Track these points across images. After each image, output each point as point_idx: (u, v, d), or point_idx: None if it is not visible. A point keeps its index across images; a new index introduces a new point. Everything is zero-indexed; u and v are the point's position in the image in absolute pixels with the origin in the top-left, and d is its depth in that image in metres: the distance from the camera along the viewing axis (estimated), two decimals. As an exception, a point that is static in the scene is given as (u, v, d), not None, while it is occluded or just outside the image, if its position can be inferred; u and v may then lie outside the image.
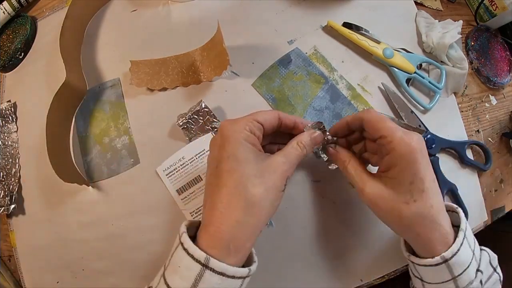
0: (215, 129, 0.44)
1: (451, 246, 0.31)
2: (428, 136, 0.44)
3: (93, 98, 0.48)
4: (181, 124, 0.44)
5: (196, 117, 0.44)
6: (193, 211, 0.43)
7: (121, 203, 0.45)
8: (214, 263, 0.26)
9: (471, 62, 0.51)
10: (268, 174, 0.30)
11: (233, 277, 0.27)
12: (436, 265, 0.31)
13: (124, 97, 0.47)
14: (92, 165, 0.46)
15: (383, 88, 0.46)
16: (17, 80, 0.53)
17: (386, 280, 0.43)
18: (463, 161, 0.45)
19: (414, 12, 0.50)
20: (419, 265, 0.33)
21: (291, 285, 0.42)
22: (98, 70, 0.49)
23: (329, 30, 0.48)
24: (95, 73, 0.49)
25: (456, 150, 0.45)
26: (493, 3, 0.51)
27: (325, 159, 0.38)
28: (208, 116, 0.44)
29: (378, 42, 0.46)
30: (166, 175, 0.43)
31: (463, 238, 0.32)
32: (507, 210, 0.49)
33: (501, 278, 0.36)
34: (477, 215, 0.46)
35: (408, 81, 0.46)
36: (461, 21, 0.48)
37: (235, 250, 0.28)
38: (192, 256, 0.27)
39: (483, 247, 0.37)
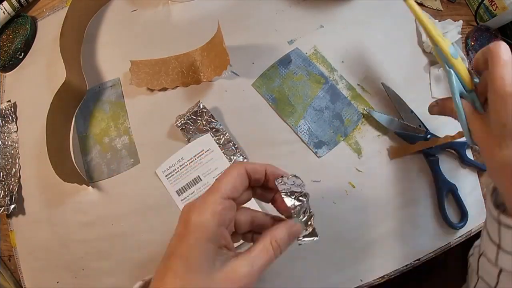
0: (213, 129, 0.44)
1: None
2: (428, 136, 0.44)
3: (93, 98, 0.48)
4: (179, 125, 0.44)
5: (194, 117, 0.44)
6: None
7: (121, 203, 0.45)
8: None
9: (471, 62, 0.51)
10: (225, 283, 0.23)
11: None
12: None
13: (124, 97, 0.48)
14: (92, 165, 0.46)
15: (383, 89, 0.46)
16: (17, 80, 0.53)
17: (386, 280, 0.43)
18: (463, 161, 0.45)
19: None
20: (506, 226, 0.28)
21: (290, 285, 0.42)
22: (98, 70, 0.49)
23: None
24: (95, 73, 0.49)
25: (456, 150, 0.45)
26: (493, 3, 0.51)
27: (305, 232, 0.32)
28: (206, 117, 0.44)
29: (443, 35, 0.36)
30: (166, 176, 0.43)
31: None
32: (507, 210, 0.49)
33: None
34: (477, 215, 0.46)
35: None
36: (461, 21, 0.48)
37: None
38: None
39: None
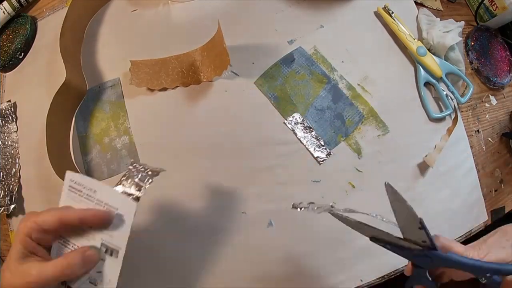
0: (140, 190, 0.32)
1: None
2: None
3: (93, 98, 0.48)
4: (132, 168, 0.33)
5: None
6: (60, 240, 0.32)
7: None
8: None
9: (471, 62, 0.51)
10: (18, 277, 0.29)
11: None
12: None
13: (124, 97, 0.47)
14: (92, 165, 0.46)
15: (383, 89, 0.46)
16: (17, 80, 0.53)
17: (386, 280, 0.43)
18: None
19: (414, 12, 0.50)
20: None
21: (290, 285, 0.42)
22: (98, 70, 0.49)
23: (378, 16, 0.49)
24: (95, 73, 0.49)
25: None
26: (493, 3, 0.51)
27: None
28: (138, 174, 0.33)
29: (414, 38, 0.47)
30: (69, 186, 0.32)
31: None
32: (507, 210, 0.49)
33: None
34: (477, 215, 0.46)
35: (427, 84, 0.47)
36: (462, 22, 0.48)
37: None
38: None
39: None
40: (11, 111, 0.51)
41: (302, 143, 0.44)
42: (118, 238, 0.32)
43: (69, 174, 0.32)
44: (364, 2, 0.49)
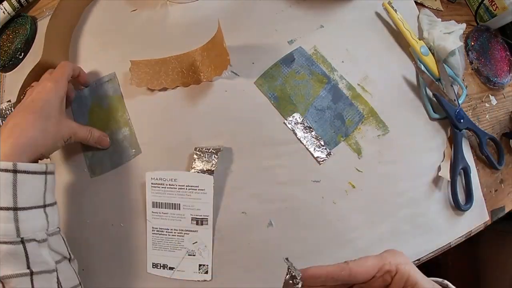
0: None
1: None
2: (458, 110, 0.45)
3: (90, 94, 0.48)
4: (195, 157, 0.42)
5: (207, 159, 0.43)
6: (156, 228, 0.43)
7: (121, 203, 0.45)
8: (20, 165, 0.32)
9: (471, 62, 0.51)
10: (63, 124, 0.39)
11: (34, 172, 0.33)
12: None
13: (121, 91, 0.48)
14: (94, 159, 0.46)
15: (383, 89, 0.46)
16: (17, 80, 0.52)
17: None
18: (481, 150, 0.46)
19: (414, 13, 0.50)
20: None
21: (291, 285, 0.42)
22: (98, 70, 0.49)
23: (378, 15, 0.50)
24: (94, 73, 0.49)
25: (477, 135, 0.46)
26: (493, 3, 0.51)
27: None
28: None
29: (419, 38, 0.48)
30: (152, 184, 0.43)
31: None
32: (507, 210, 0.49)
33: None
34: (477, 215, 0.46)
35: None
36: (464, 25, 0.48)
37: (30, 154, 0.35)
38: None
39: None
40: (11, 111, 0.51)
41: (302, 143, 0.44)
42: (204, 208, 0.41)
43: (148, 174, 0.42)
44: (364, 2, 0.49)
